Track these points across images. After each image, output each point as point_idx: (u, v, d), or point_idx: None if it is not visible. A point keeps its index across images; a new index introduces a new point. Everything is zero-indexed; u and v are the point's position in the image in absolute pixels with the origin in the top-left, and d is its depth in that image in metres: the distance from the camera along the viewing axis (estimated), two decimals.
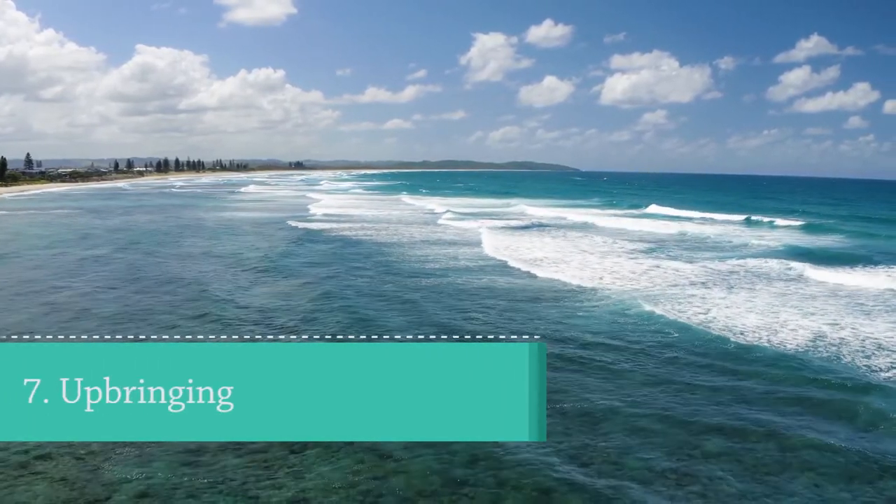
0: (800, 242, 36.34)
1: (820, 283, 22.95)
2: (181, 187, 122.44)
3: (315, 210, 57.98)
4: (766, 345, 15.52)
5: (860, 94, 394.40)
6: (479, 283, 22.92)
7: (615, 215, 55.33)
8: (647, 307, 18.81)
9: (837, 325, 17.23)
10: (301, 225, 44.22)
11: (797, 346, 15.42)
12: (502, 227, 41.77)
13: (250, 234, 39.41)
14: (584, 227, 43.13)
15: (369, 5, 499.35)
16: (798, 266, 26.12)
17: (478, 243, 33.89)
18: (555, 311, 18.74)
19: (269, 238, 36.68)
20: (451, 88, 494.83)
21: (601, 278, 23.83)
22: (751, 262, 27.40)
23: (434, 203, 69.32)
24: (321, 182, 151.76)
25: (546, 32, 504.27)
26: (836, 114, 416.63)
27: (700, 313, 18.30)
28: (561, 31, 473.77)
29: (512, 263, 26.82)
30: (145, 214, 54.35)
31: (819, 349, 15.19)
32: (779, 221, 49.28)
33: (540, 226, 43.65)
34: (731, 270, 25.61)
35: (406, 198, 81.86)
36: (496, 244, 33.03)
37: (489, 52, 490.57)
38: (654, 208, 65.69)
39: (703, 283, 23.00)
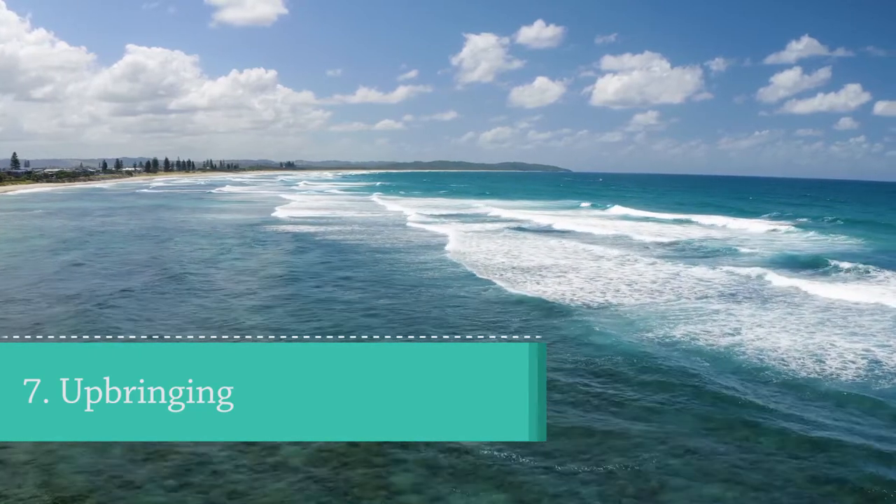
0: (808, 247, 34.96)
1: (840, 295, 21.23)
2: (157, 187, 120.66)
3: (280, 213, 56.58)
4: (817, 377, 13.66)
5: (851, 95, 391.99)
6: (438, 293, 21.72)
7: (589, 217, 55.76)
8: (663, 328, 17.03)
9: (888, 346, 15.53)
10: (259, 228, 43.45)
11: (854, 379, 13.57)
12: (467, 231, 40.76)
13: (199, 237, 38.13)
14: (548, 231, 42.45)
15: (360, 5, 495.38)
16: (810, 273, 24.93)
17: (440, 247, 33.01)
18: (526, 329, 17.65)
19: (216, 243, 35.05)
20: (443, 89, 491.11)
21: (570, 289, 22.22)
22: (746, 271, 25.71)
23: (405, 204, 68.71)
24: (299, 183, 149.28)
25: (537, 33, 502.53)
26: (827, 115, 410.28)
27: (728, 334, 16.54)
28: (552, 31, 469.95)
29: (478, 274, 25.49)
30: (107, 216, 52.70)
31: (881, 382, 13.34)
32: (779, 225, 48.28)
33: (506, 230, 43.02)
34: (728, 280, 23.88)
35: (379, 199, 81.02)
36: (459, 249, 32.33)
37: (480, 52, 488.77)
38: (619, 209, 65.18)
39: (702, 296, 21.32)
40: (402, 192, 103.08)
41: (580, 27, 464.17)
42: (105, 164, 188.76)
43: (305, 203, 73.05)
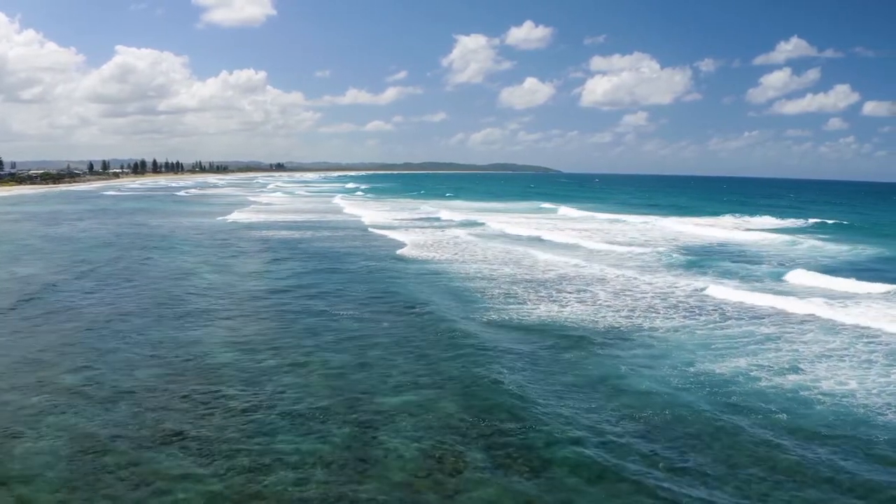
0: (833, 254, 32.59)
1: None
2: (131, 189, 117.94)
3: (238, 216, 53.87)
4: None
5: (840, 95, 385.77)
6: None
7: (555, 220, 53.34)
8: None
9: None
10: (203, 231, 41.64)
11: None
12: (420, 235, 39.22)
13: (130, 240, 35.96)
14: (501, 236, 40.15)
15: (349, 6, 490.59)
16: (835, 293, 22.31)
17: (388, 256, 30.86)
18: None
19: (146, 248, 32.94)
20: (432, 90, 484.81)
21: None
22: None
23: (364, 206, 66.77)
24: (270, 185, 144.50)
25: (526, 34, 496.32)
26: (816, 115, 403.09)
27: (785, 371, 14.00)
28: (541, 32, 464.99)
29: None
30: (53, 220, 49.74)
31: None
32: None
33: (467, 235, 40.86)
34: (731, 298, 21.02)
35: (341, 201, 78.65)
36: (412, 253, 31.11)
37: (470, 53, 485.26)
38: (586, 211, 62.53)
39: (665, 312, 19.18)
40: (372, 195, 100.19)
41: (569, 28, 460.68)
42: (91, 166, 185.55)
43: (269, 206, 70.00)
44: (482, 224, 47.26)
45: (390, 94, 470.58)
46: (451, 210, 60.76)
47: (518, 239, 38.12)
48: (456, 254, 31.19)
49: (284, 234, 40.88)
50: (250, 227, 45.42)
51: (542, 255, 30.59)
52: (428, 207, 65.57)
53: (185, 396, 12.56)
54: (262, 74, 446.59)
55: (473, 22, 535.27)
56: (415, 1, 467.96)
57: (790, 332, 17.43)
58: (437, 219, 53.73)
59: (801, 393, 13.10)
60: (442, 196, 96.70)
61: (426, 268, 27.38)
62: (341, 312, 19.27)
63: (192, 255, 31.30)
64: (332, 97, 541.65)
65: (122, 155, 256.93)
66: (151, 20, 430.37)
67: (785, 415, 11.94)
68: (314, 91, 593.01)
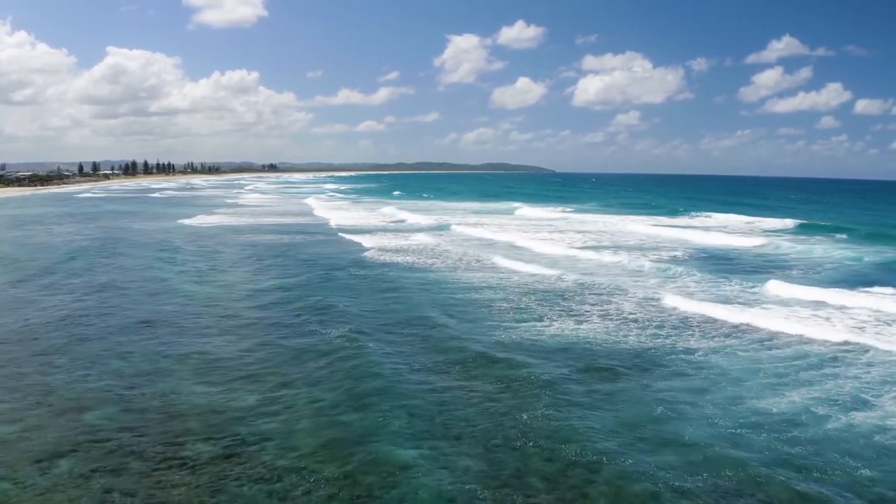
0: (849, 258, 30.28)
1: None
2: (114, 190, 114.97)
3: (204, 219, 51.29)
4: None
5: (832, 94, 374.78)
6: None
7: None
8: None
9: None
10: (163, 236, 39.49)
11: None
12: (384, 237, 37.63)
13: (86, 244, 34.06)
14: (468, 241, 37.54)
15: (341, 6, 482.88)
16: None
17: (349, 262, 28.59)
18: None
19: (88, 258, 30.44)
20: (424, 90, 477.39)
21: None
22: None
23: (338, 209, 64.52)
24: (248, 186, 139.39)
25: (518, 34, 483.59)
26: (808, 114, 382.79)
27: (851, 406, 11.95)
28: (533, 32, 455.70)
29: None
30: (16, 224, 47.25)
31: None
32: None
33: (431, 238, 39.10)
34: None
35: (314, 202, 76.25)
36: (375, 258, 29.58)
37: (462, 53, 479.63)
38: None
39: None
40: (353, 196, 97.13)
41: (561, 27, 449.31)
42: (81, 167, 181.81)
43: (240, 208, 67.16)
44: (449, 227, 44.48)
45: (382, 94, 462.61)
46: (424, 213, 57.37)
47: (483, 244, 35.55)
48: (418, 259, 29.29)
49: (247, 237, 38.42)
50: (213, 230, 42.60)
51: (507, 263, 28.20)
52: (403, 209, 62.60)
53: (139, 453, 10.08)
54: (254, 75, 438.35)
55: (465, 22, 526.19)
56: (407, 1, 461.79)
57: (845, 354, 15.13)
58: (404, 221, 51.02)
59: (877, 438, 10.82)
60: (419, 197, 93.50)
61: (387, 274, 25.39)
62: (317, 330, 16.84)
63: (140, 260, 29.23)
64: (324, 97, 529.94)
65: (114, 156, 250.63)
66: (143, 21, 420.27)
67: (868, 471, 9.60)
68: (306, 91, 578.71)
